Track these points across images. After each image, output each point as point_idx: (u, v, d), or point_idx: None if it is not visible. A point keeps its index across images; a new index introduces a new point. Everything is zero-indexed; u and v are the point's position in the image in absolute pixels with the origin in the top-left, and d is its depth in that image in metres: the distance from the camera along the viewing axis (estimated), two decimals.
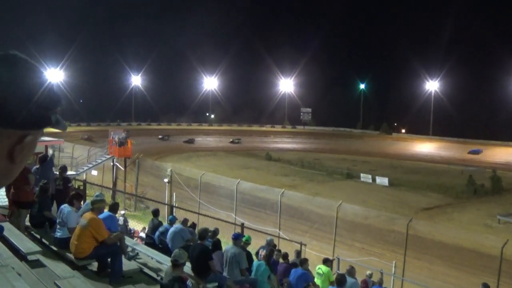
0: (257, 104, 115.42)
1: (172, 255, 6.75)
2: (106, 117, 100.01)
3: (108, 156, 34.05)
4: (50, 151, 11.74)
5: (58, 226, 8.60)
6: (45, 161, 11.34)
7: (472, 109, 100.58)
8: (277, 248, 12.98)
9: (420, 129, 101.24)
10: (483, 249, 25.11)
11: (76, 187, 19.11)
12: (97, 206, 8.06)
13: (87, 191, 20.05)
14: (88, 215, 7.87)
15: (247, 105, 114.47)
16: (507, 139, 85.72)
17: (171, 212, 14.37)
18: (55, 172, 11.85)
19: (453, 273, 24.48)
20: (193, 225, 13.93)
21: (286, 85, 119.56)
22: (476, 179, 51.00)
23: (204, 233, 9.65)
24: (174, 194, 29.89)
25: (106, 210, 11.48)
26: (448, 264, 25.28)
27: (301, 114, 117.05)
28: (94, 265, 8.07)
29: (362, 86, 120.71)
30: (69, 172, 30.51)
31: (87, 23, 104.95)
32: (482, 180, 51.57)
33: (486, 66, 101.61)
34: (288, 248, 14.99)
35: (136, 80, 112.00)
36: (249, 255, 10.42)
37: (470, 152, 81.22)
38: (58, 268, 7.82)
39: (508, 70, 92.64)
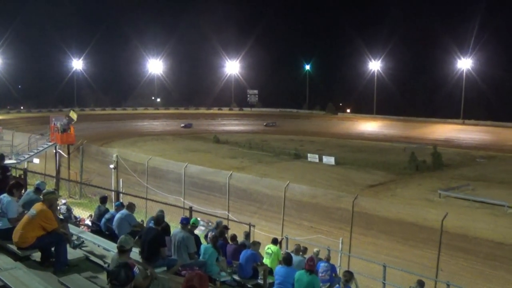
0: (204, 87, 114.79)
1: (118, 241, 6.64)
2: (47, 103, 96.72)
3: (50, 143, 32.95)
4: None
5: None
6: None
7: (413, 88, 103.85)
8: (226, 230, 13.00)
9: (364, 109, 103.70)
10: (425, 223, 26.17)
11: (17, 176, 18.46)
12: (48, 198, 7.85)
13: (28, 180, 19.41)
14: (39, 206, 7.68)
15: (194, 88, 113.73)
16: (446, 116, 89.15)
17: (117, 199, 14.11)
18: None
19: (397, 247, 25.40)
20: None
21: (232, 67, 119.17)
22: (418, 155, 52.81)
23: (161, 217, 9.56)
24: (121, 180, 29.38)
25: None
26: (393, 239, 26.19)
27: (248, 96, 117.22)
28: (38, 256, 7.85)
29: (307, 67, 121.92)
30: (9, 161, 29.49)
31: (24, 5, 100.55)
32: (423, 156, 53.47)
33: (426, 45, 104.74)
34: (237, 230, 15.08)
35: (78, 64, 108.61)
36: (197, 238, 10.42)
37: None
38: (0, 260, 7.58)
39: (447, 49, 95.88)
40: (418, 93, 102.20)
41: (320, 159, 55.32)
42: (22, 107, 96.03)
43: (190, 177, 30.25)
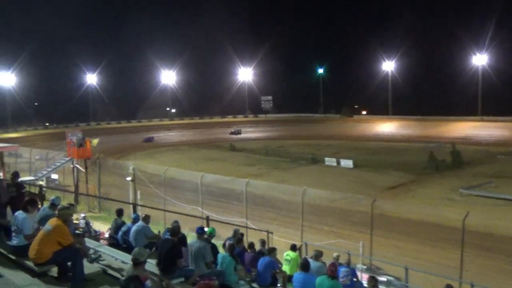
0: (218, 96, 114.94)
1: (132, 253, 6.64)
2: (63, 119, 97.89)
3: (67, 159, 33.25)
4: None
5: (13, 234, 8.35)
6: None
7: (429, 86, 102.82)
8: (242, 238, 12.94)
9: (380, 110, 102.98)
10: (447, 223, 25.79)
11: (35, 192, 18.64)
12: (62, 213, 7.89)
13: (47, 196, 19.57)
14: (54, 221, 7.72)
15: (208, 97, 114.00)
16: (463, 113, 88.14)
17: (134, 211, 14.15)
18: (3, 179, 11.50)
19: (419, 248, 25.06)
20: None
21: (245, 75, 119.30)
22: (437, 154, 52.23)
23: (176, 228, 9.53)
24: (139, 192, 29.52)
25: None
26: (415, 240, 25.87)
27: (262, 102, 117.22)
28: (55, 271, 7.87)
29: (320, 70, 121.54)
30: (27, 178, 29.85)
31: (36, 22, 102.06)
32: (442, 155, 52.88)
33: (440, 42, 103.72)
34: (256, 238, 15.00)
35: (92, 79, 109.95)
36: (214, 247, 10.37)
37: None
38: (17, 277, 7.61)
39: (461, 45, 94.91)
40: (433, 91, 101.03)
41: (338, 163, 55.02)
42: (38, 124, 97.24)
43: (207, 186, 30.25)
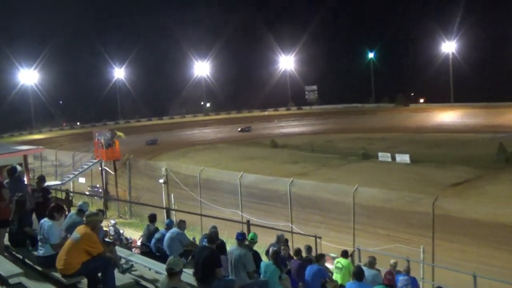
0: (257, 87, 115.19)
1: (167, 263, 6.70)
2: (90, 118, 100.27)
3: (95, 161, 34.03)
4: (18, 168, 11.60)
5: (39, 243, 8.56)
6: (14, 174, 11.27)
7: (496, 69, 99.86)
8: (287, 244, 12.94)
9: (440, 97, 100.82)
10: None
11: (61, 197, 19.10)
12: (91, 219, 8.01)
13: (75, 201, 20.03)
14: (82, 229, 7.83)
15: (246, 89, 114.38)
16: None
17: (167, 216, 14.32)
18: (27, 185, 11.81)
19: (489, 253, 24.43)
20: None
21: (287, 63, 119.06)
22: (508, 146, 50.78)
23: (214, 235, 9.59)
24: (172, 195, 29.94)
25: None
26: (485, 244, 25.23)
27: (306, 93, 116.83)
28: (84, 283, 8.02)
29: (370, 55, 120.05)
30: (53, 182, 30.71)
31: (60, 17, 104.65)
32: None
33: (504, 19, 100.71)
34: (303, 243, 14.95)
35: (119, 73, 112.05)
36: (256, 255, 10.35)
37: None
38: None
39: None
40: (501, 74, 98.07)
41: (393, 158, 54.26)
42: (64, 124, 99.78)
43: (247, 187, 30.34)
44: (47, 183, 12.95)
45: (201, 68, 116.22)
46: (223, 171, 37.58)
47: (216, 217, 18.00)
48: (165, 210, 16.04)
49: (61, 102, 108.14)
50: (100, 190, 35.63)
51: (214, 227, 11.51)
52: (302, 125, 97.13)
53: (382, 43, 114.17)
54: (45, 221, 8.61)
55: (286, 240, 13.10)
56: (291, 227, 24.24)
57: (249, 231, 12.90)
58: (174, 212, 21.96)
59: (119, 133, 35.12)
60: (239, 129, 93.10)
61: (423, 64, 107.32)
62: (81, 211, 9.77)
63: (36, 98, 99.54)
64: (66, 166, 36.43)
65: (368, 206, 28.04)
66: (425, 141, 68.27)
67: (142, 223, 24.66)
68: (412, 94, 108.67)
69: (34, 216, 10.56)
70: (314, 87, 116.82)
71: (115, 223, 20.75)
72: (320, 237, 18.26)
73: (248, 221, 14.11)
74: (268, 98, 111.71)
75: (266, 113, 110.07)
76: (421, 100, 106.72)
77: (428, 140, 69.61)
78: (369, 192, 29.19)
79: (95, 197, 28.82)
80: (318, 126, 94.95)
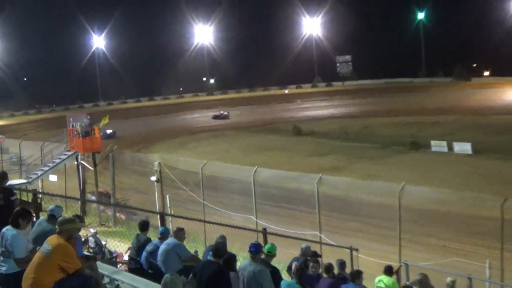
0: (274, 59, 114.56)
1: (162, 282, 6.74)
2: (63, 99, 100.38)
3: (69, 153, 34.10)
4: None
5: (0, 258, 8.61)
6: None
7: None
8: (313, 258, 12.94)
9: (510, 69, 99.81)
10: None
11: (27, 200, 19.21)
12: (65, 228, 7.97)
13: (44, 205, 20.18)
14: (55, 239, 7.80)
15: (259, 61, 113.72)
16: None
17: (161, 223, 14.39)
18: None
19: None
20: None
21: (312, 27, 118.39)
22: None
23: (222, 246, 9.60)
24: (168, 196, 29.98)
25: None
26: None
27: (337, 65, 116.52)
28: None
29: (420, 15, 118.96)
30: (17, 180, 30.88)
31: None
32: None
33: None
34: (334, 257, 14.98)
35: (99, 42, 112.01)
36: (275, 272, 10.36)
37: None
38: None
39: None
40: None
41: (450, 148, 54.09)
42: (37, 106, 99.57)
43: (263, 186, 30.33)
44: (9, 182, 13.02)
45: (203, 34, 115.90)
46: (233, 165, 37.59)
47: (223, 224, 18.08)
48: (158, 216, 16.08)
49: (25, 79, 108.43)
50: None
51: (221, 237, 11.56)
52: (332, 106, 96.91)
53: (435, 1, 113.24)
54: (8, 229, 8.62)
55: (314, 253, 13.08)
56: (320, 237, 24.25)
57: (265, 241, 12.96)
58: (170, 218, 22.10)
59: (103, 120, 35.27)
60: (213, 115, 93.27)
61: (489, 26, 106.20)
62: (52, 217, 9.82)
63: None
64: (33, 160, 36.56)
65: (418, 209, 27.95)
66: (491, 126, 67.84)
67: (130, 232, 24.81)
68: (475, 65, 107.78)
69: None
70: (348, 58, 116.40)
71: (96, 232, 20.90)
72: (356, 249, 18.29)
73: (264, 229, 14.16)
74: (288, 72, 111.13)
75: (286, 91, 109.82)
76: (486, 73, 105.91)
77: (495, 124, 69.14)
78: (420, 191, 29.04)
79: (71, 200, 28.94)
80: (353, 107, 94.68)
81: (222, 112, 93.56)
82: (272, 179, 33.20)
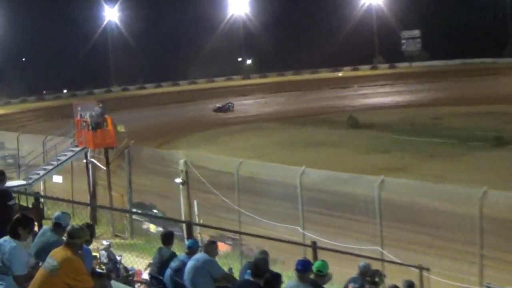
0: (324, 35, 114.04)
1: None
2: (69, 84, 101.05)
3: (77, 149, 34.35)
4: None
5: None
6: None
7: None
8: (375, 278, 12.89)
9: None
10: None
11: (28, 205, 19.46)
12: (76, 240, 8.03)
13: (48, 211, 20.39)
14: (61, 252, 7.85)
15: (307, 38, 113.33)
16: None
17: (188, 234, 14.41)
18: None
19: None
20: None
21: None
22: None
23: (262, 263, 9.60)
24: (195, 202, 30.11)
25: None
26: None
27: (403, 42, 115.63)
28: None
29: None
30: (15, 182, 31.28)
31: None
32: None
33: None
34: (400, 277, 14.93)
35: (111, 15, 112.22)
36: None
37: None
38: None
39: None
40: None
41: None
42: (44, 92, 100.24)
43: (311, 189, 30.26)
44: (8, 184, 13.18)
45: (237, 4, 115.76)
46: (274, 164, 37.51)
47: (263, 237, 18.14)
48: (185, 226, 16.17)
49: (23, 59, 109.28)
50: None
51: (262, 252, 11.56)
52: (396, 93, 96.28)
53: None
54: (5, 241, 8.68)
55: (374, 273, 13.03)
56: (381, 252, 24.14)
57: (315, 258, 12.93)
58: (199, 228, 22.21)
59: (118, 127, 35.42)
60: (215, 107, 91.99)
61: None
62: (58, 226, 9.88)
63: None
64: (34, 157, 36.88)
65: (504, 220, 27.62)
66: None
67: (150, 245, 24.99)
68: None
69: None
70: (416, 33, 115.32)
71: (109, 245, 21.07)
72: (427, 269, 18.18)
73: (313, 243, 14.14)
74: (343, 51, 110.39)
75: (340, 74, 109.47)
76: None
77: None
78: (506, 198, 28.72)
79: (80, 206, 29.19)
80: (421, 93, 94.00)
81: (228, 103, 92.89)
82: (322, 181, 33.02)
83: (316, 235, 23.95)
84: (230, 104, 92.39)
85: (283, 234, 24.01)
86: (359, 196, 30.74)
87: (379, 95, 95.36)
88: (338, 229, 29.78)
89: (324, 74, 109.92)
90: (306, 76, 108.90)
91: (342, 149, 58.13)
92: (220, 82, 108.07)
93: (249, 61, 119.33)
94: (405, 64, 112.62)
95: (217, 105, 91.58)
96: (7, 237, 8.73)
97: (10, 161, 40.86)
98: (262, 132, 72.96)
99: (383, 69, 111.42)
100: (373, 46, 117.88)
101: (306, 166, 30.46)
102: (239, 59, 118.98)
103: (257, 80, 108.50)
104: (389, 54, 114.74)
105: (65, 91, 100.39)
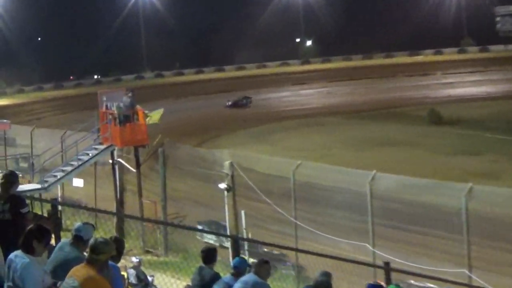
0: (398, 12, 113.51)
1: None
2: (91, 69, 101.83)
3: (101, 147, 34.49)
4: None
5: None
6: None
7: None
8: None
9: None
10: None
11: (44, 213, 19.67)
12: (101, 256, 8.06)
13: (67, 221, 20.58)
14: (82, 270, 7.88)
15: (377, 16, 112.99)
16: None
17: (235, 251, 14.45)
18: None
19: None
20: None
21: None
22: None
23: (324, 287, 9.64)
24: (243, 212, 30.14)
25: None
26: None
27: (498, 19, 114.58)
28: None
29: None
30: (29, 185, 31.65)
31: None
32: None
33: None
34: None
35: None
36: None
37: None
38: None
39: None
40: None
41: None
42: (71, 78, 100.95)
43: (382, 199, 30.14)
44: (20, 188, 13.28)
45: None
46: (338, 168, 37.39)
47: (325, 255, 18.07)
48: (230, 241, 16.24)
49: (39, 39, 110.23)
50: None
51: (324, 274, 11.53)
52: (488, 82, 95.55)
53: None
54: (17, 256, 8.72)
55: None
56: (469, 277, 23.96)
57: (388, 281, 12.89)
58: (247, 244, 22.25)
59: (153, 115, 35.36)
60: (229, 103, 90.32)
61: None
62: (79, 239, 9.94)
63: None
64: (50, 157, 37.13)
65: None
66: None
67: (188, 263, 25.13)
68: None
69: None
70: None
71: (140, 263, 21.19)
72: None
73: (387, 264, 14.07)
74: (423, 31, 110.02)
75: (419, 58, 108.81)
76: None
77: None
78: None
79: (105, 215, 29.35)
80: None
81: (244, 97, 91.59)
82: (397, 189, 32.85)
83: (389, 254, 23.87)
84: (246, 99, 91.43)
85: (349, 252, 23.96)
86: (442, 207, 30.63)
87: (467, 85, 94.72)
88: (416, 246, 29.70)
89: (400, 58, 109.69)
90: (377, 60, 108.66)
91: (421, 150, 57.90)
92: (274, 68, 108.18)
93: (309, 43, 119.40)
94: (500, 46, 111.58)
95: (229, 102, 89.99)
96: (19, 252, 8.68)
97: (24, 164, 41.19)
98: (324, 128, 72.87)
99: (473, 52, 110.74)
100: (461, 25, 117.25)
101: (377, 170, 30.32)
102: (297, 40, 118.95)
103: (318, 66, 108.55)
104: (480, 35, 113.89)
105: (89, 77, 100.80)
